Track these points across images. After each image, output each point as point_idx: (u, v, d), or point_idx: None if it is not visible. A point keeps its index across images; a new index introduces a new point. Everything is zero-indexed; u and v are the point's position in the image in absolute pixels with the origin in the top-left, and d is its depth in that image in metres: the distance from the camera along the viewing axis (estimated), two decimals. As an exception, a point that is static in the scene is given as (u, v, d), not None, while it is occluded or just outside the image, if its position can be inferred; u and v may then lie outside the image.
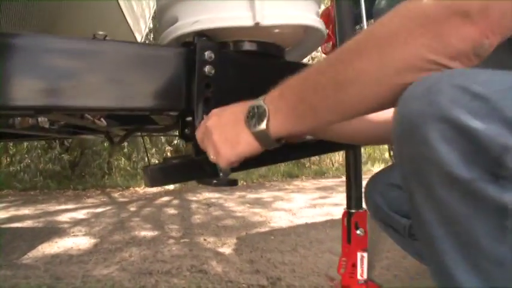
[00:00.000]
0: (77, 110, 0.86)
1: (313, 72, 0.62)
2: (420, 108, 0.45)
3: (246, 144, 0.70)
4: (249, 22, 0.99)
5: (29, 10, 1.16)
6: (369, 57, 0.53)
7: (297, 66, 1.20)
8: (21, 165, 6.15)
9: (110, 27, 1.88)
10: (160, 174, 0.87)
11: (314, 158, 8.63)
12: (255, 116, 0.68)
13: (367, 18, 2.39)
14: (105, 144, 6.72)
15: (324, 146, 1.18)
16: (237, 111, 0.73)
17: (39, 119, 1.43)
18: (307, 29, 1.13)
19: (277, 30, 1.08)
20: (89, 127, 1.52)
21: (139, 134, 1.80)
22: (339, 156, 9.28)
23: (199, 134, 0.81)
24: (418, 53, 0.49)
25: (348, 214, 1.65)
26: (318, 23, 1.10)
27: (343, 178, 6.04)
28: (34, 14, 1.19)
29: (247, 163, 0.81)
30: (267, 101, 0.67)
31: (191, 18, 1.01)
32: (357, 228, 1.61)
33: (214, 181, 0.87)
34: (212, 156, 0.77)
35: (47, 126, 1.49)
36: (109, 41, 0.85)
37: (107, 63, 0.85)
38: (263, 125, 0.66)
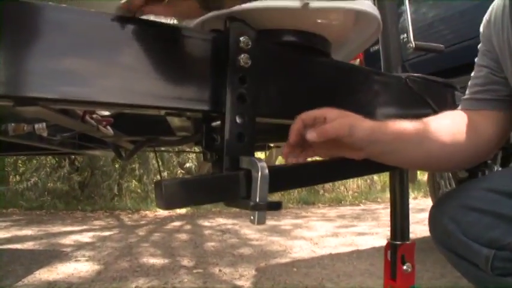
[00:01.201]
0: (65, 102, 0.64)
1: None
2: None
3: None
4: (295, 3, 0.79)
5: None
6: None
7: (346, 68, 1.01)
8: (29, 183, 5.98)
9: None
10: (179, 192, 0.64)
11: (328, 186, 8.39)
12: None
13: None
14: (116, 166, 6.56)
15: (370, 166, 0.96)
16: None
17: (36, 125, 1.24)
18: (358, 18, 0.93)
19: (325, 20, 0.88)
20: (93, 137, 1.32)
21: (151, 148, 1.59)
22: (353, 184, 9.02)
23: None
24: None
25: (392, 246, 1.40)
26: (372, 8, 0.90)
27: (362, 206, 5.84)
28: None
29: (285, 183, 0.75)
30: None
31: (223, -2, 0.80)
32: (403, 263, 1.36)
33: (252, 203, 0.64)
34: None
35: (45, 134, 1.30)
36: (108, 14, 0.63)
37: (108, 43, 0.63)
38: None
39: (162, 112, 0.90)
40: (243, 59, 0.72)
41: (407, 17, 1.74)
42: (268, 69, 0.80)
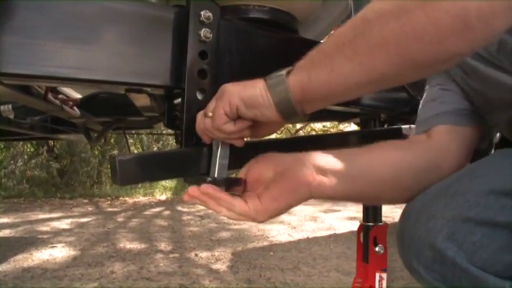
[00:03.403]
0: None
1: (332, 37, 0.58)
2: None
3: (264, 108, 0.61)
4: (257, -23, 0.77)
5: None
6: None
7: (311, 44, 0.99)
8: (6, 171, 5.88)
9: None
10: (135, 168, 0.62)
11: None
12: (273, 83, 0.61)
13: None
14: (95, 152, 6.49)
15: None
16: (256, 80, 0.63)
17: (2, 107, 1.20)
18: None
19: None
20: (65, 120, 1.29)
21: (121, 130, 1.56)
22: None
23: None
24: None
25: (364, 228, 1.40)
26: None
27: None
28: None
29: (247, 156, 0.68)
30: (287, 71, 0.61)
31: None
32: (375, 245, 1.36)
33: (209, 179, 0.63)
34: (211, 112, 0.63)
35: (11, 116, 1.26)
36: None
37: (64, 17, 0.61)
38: (286, 91, 0.60)
39: (122, 89, 0.88)
40: (204, 33, 0.70)
41: None
42: (232, 44, 0.78)
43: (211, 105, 0.64)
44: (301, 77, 0.59)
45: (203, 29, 0.70)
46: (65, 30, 0.60)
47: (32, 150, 6.39)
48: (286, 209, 0.65)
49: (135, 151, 7.04)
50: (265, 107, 0.61)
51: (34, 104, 1.01)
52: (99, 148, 6.44)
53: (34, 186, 5.96)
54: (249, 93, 0.62)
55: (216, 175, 0.65)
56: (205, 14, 0.71)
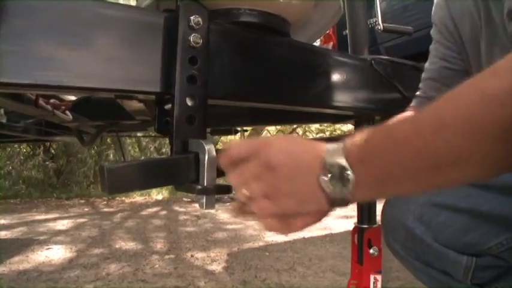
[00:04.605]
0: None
1: (401, 141, 0.48)
2: None
3: (315, 204, 0.52)
4: (247, -19, 0.77)
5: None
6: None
7: (305, 48, 0.98)
8: (2, 171, 5.87)
9: None
10: (124, 176, 0.62)
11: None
12: (335, 178, 0.51)
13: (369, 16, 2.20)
14: (92, 152, 6.48)
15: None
16: (310, 158, 0.53)
17: (-9, 111, 1.20)
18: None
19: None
20: (54, 123, 1.28)
21: (114, 134, 1.56)
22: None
23: (240, 150, 0.56)
24: None
25: (359, 230, 1.40)
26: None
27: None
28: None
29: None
30: (350, 163, 0.50)
31: (173, -24, 0.77)
32: (369, 247, 1.36)
33: (199, 187, 0.62)
34: (257, 202, 0.54)
35: (3, 121, 1.26)
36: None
37: (54, 23, 0.60)
38: (346, 193, 0.50)
39: (112, 95, 0.87)
40: (193, 38, 0.70)
41: (378, 9, 1.72)
42: (222, 49, 0.78)
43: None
44: (366, 197, 0.52)
45: (193, 35, 0.70)
46: (53, 37, 0.60)
47: (28, 150, 6.37)
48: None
49: (132, 151, 7.04)
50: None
51: (24, 110, 1.00)
52: (95, 148, 6.43)
53: (30, 186, 5.95)
54: (306, 211, 0.54)
55: (205, 183, 0.64)
56: (194, 19, 0.70)
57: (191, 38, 0.69)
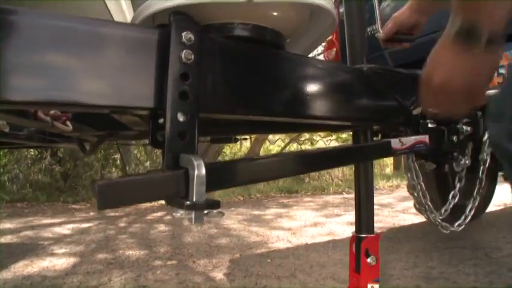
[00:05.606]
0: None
1: None
2: None
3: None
4: (239, -3, 0.78)
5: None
6: None
7: (301, 60, 0.99)
8: (10, 175, 5.91)
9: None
10: (114, 192, 0.63)
11: (313, 174, 8.40)
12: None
13: (369, 23, 2.20)
14: (98, 156, 6.51)
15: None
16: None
17: (-3, 123, 1.22)
18: (313, 12, 0.92)
19: (276, 11, 0.87)
20: (53, 133, 1.30)
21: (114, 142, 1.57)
22: (338, 172, 9.05)
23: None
24: None
25: (356, 239, 1.40)
26: (327, 2, 0.88)
27: (345, 195, 5.83)
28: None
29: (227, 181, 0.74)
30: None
31: (166, -7, 0.79)
32: (367, 256, 1.37)
33: (188, 203, 0.64)
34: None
35: (6, 130, 1.27)
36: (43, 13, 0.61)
37: (46, 40, 0.62)
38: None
39: (106, 110, 0.89)
40: (185, 54, 0.71)
41: (375, 5, 1.73)
42: (216, 63, 0.78)
43: None
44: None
45: (184, 51, 0.71)
46: (45, 54, 0.61)
47: (35, 154, 6.42)
48: None
49: (138, 154, 7.07)
50: None
51: (23, 123, 1.02)
52: (102, 152, 6.46)
53: (37, 190, 5.99)
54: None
55: (194, 199, 0.65)
56: (186, 35, 0.71)
57: (183, 54, 0.70)
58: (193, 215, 0.65)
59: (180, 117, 0.72)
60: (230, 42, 0.84)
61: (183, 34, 0.71)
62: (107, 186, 0.63)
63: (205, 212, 0.66)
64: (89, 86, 0.65)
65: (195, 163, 0.65)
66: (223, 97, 0.81)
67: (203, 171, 0.66)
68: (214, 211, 0.67)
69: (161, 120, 0.80)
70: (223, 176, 0.75)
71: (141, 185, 0.66)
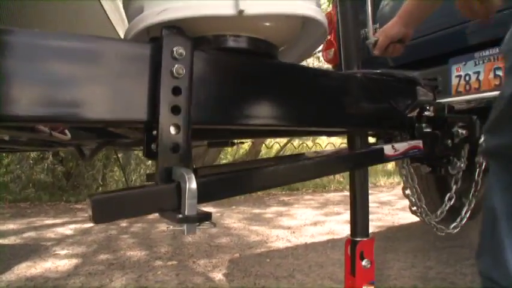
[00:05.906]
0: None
1: None
2: None
3: None
4: (230, 10, 0.79)
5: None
6: None
7: (293, 69, 1.01)
8: (12, 175, 5.94)
9: (91, 25, 1.68)
10: (108, 207, 0.65)
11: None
12: None
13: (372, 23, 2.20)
14: (101, 155, 6.53)
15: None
16: None
17: (-6, 130, 1.23)
18: (305, 22, 0.93)
19: (267, 23, 0.88)
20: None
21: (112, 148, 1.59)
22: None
23: None
24: None
25: (351, 243, 1.42)
26: (318, 14, 0.89)
27: (345, 192, 5.86)
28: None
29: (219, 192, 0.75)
30: None
31: (158, 7, 0.81)
32: (362, 259, 1.38)
33: (180, 216, 0.66)
34: None
35: (6, 138, 1.29)
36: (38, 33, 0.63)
37: (37, 55, 0.63)
38: None
39: (100, 125, 0.90)
40: (176, 69, 0.72)
41: (368, 12, 1.74)
42: (207, 76, 0.80)
43: None
44: None
45: (176, 65, 0.72)
46: (39, 71, 0.62)
47: (38, 154, 6.44)
48: None
49: (139, 153, 7.07)
50: None
51: (21, 135, 1.03)
52: (104, 151, 6.48)
53: (40, 190, 6.01)
54: None
55: (186, 212, 0.67)
56: (177, 50, 0.72)
57: (174, 69, 0.72)
58: (185, 227, 0.67)
59: (173, 131, 0.73)
60: (222, 54, 0.85)
61: (174, 49, 0.72)
62: (101, 201, 0.65)
63: (197, 224, 0.68)
64: (83, 101, 0.66)
65: (187, 177, 0.67)
66: (217, 109, 0.83)
67: (194, 185, 0.67)
68: (206, 222, 0.69)
69: (155, 132, 0.82)
70: (215, 188, 0.77)
71: (134, 199, 0.68)
